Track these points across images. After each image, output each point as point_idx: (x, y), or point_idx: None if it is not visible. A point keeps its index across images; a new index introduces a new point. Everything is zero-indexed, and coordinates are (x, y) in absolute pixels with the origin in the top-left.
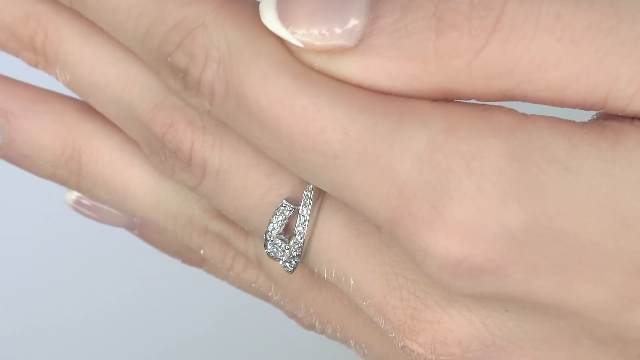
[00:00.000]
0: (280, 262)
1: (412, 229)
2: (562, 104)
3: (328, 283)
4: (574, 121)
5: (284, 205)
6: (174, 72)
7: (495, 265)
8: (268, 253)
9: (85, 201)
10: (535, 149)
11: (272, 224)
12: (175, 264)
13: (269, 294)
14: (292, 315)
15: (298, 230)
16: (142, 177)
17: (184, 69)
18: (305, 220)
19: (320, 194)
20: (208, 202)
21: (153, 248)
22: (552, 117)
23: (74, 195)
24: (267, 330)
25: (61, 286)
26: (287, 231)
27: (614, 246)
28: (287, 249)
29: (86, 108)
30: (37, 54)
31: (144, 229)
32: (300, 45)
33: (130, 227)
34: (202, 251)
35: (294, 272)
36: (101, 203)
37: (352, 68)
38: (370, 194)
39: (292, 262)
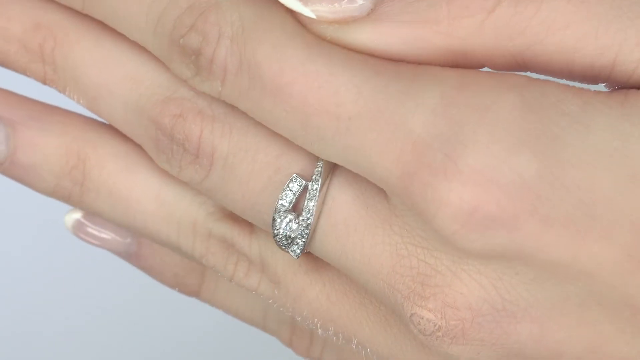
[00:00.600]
0: (288, 245)
1: (426, 180)
2: (570, 72)
3: (332, 276)
4: (583, 86)
5: (293, 179)
6: (187, 56)
7: (508, 214)
8: (276, 234)
9: (85, 221)
10: (548, 103)
11: (281, 201)
12: None
13: (270, 300)
14: (290, 339)
15: (307, 206)
16: (146, 184)
17: (197, 49)
18: (314, 196)
19: (329, 172)
20: (213, 198)
21: None
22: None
23: (73, 217)
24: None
25: (61, 286)
26: (296, 210)
27: (624, 202)
28: (297, 224)
29: (91, 120)
30: (46, 64)
31: (141, 254)
32: (313, 16)
33: (127, 255)
34: (204, 260)
35: (298, 266)
36: (103, 216)
37: (364, 36)
38: (383, 152)
39: (300, 243)
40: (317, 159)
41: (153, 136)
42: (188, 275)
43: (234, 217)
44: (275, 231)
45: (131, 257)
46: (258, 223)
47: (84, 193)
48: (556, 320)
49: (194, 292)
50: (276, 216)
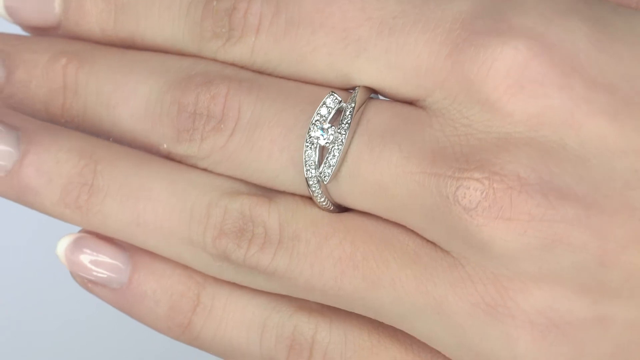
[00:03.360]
0: (318, 171)
1: (478, 42)
2: None
3: (355, 222)
4: None
5: (330, 95)
6: (219, 17)
7: (558, 74)
8: (307, 159)
9: (82, 241)
10: None
11: (317, 115)
12: None
13: (283, 282)
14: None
15: (344, 117)
16: (160, 174)
17: (230, 6)
18: (351, 113)
19: (364, 100)
20: (235, 161)
21: None
22: None
23: (65, 242)
24: None
25: (62, 286)
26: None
27: None
28: (333, 133)
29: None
30: (67, 89)
31: (134, 280)
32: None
33: (118, 289)
34: (216, 244)
35: (320, 218)
36: (108, 218)
37: None
38: (430, 38)
39: (335, 155)
40: (347, 97)
41: (174, 119)
42: (181, 300)
43: (250, 193)
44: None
45: (122, 289)
46: (284, 169)
47: (93, 194)
48: (600, 203)
49: (184, 324)
50: (312, 128)
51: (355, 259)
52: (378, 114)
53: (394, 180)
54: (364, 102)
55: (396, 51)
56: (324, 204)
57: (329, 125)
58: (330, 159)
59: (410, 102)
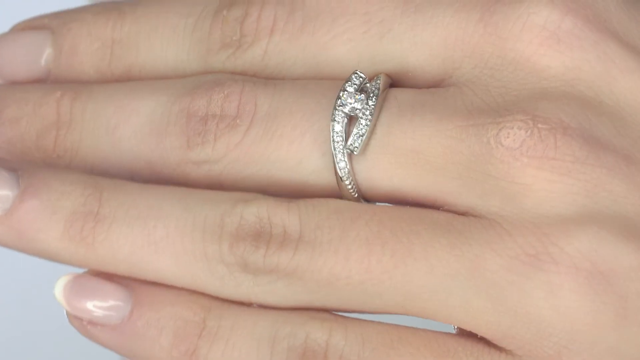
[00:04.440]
0: (352, 134)
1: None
2: None
3: (382, 205)
4: None
5: (355, 73)
6: (230, 27)
7: (594, 28)
8: (336, 130)
9: (83, 279)
10: None
11: (342, 91)
12: None
13: (302, 282)
14: None
15: (372, 92)
16: (169, 192)
17: (243, 13)
18: (377, 87)
19: (388, 83)
20: (252, 157)
21: None
22: None
23: (63, 283)
24: None
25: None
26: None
27: None
28: (361, 104)
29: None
30: (60, 124)
31: (135, 324)
32: None
33: (116, 336)
34: (232, 249)
35: (344, 205)
36: (116, 244)
37: None
38: (460, 6)
39: (363, 131)
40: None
41: (183, 126)
42: (186, 326)
43: (266, 197)
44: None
45: (123, 323)
46: (308, 153)
47: (100, 211)
48: (638, 157)
49: (190, 351)
50: (339, 100)
51: (383, 236)
52: (405, 92)
53: (426, 141)
54: (388, 84)
55: (423, 26)
56: (350, 188)
57: (356, 99)
58: (361, 129)
59: (435, 86)
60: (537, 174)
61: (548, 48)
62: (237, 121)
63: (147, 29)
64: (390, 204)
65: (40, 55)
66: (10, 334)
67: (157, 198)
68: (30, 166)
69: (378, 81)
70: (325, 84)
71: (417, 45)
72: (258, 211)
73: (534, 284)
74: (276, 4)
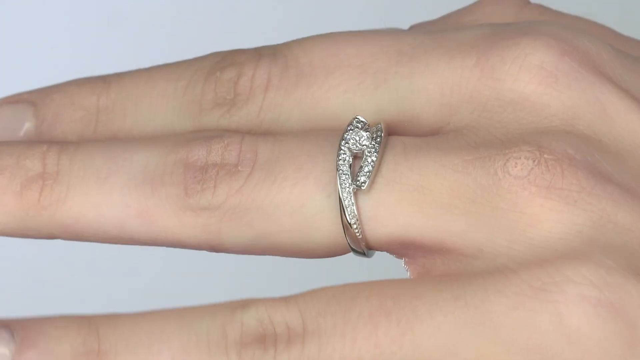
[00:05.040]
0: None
1: (507, 42)
2: None
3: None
4: None
5: (356, 117)
6: (224, 87)
7: (591, 67)
8: (341, 163)
9: None
10: None
11: (346, 131)
12: (177, 264)
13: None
14: None
15: (375, 133)
16: (166, 313)
17: (237, 73)
18: (380, 129)
19: (387, 130)
20: (253, 203)
21: (153, 247)
22: None
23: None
24: None
25: (62, 286)
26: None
27: None
28: (366, 142)
29: None
30: (45, 177)
31: None
32: None
33: None
34: (241, 356)
35: (342, 286)
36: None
37: None
38: (455, 51)
39: (368, 168)
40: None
41: (180, 176)
42: None
43: (263, 299)
44: (341, 160)
45: None
46: (311, 195)
47: (102, 358)
48: None
49: None
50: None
51: (386, 307)
52: (407, 137)
53: (433, 176)
54: (387, 132)
55: (418, 75)
56: (355, 228)
57: (360, 136)
58: (367, 165)
59: (433, 134)
60: (544, 204)
61: (547, 87)
62: (239, 168)
63: (134, 94)
64: (394, 253)
65: (20, 127)
66: None
67: (155, 322)
68: (20, 319)
69: (379, 125)
70: (325, 132)
71: (413, 94)
72: (258, 314)
73: (542, 317)
74: (270, 63)
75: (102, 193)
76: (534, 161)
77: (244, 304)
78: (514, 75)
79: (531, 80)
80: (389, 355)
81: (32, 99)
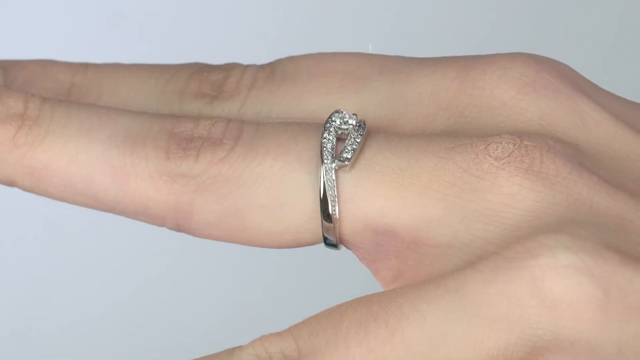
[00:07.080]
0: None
1: (486, 59)
2: None
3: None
4: None
5: (338, 111)
6: (210, 84)
7: (568, 85)
8: (324, 155)
9: None
10: None
11: (331, 117)
12: (176, 265)
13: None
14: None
15: (360, 121)
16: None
17: (224, 76)
18: (363, 122)
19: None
20: (234, 173)
21: (153, 247)
22: None
23: None
24: (269, 330)
25: (62, 286)
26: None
27: None
28: (351, 126)
29: None
30: (26, 118)
31: None
32: None
33: None
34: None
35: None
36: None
37: None
38: (436, 66)
39: (353, 147)
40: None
41: (163, 141)
42: None
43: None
44: (324, 149)
45: None
46: (292, 172)
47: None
48: (619, 182)
49: None
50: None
51: (373, 311)
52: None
53: (413, 160)
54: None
55: (398, 83)
56: (332, 208)
57: (345, 121)
58: (350, 145)
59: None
60: (522, 183)
61: (525, 94)
62: (224, 140)
63: (113, 77)
64: (369, 242)
65: None
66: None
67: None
68: None
69: (362, 119)
70: (307, 122)
71: (393, 100)
72: (255, 350)
73: (517, 285)
74: (258, 69)
75: (80, 143)
76: (514, 145)
77: (241, 347)
78: (494, 83)
79: (510, 88)
80: (383, 359)
81: (4, 65)
